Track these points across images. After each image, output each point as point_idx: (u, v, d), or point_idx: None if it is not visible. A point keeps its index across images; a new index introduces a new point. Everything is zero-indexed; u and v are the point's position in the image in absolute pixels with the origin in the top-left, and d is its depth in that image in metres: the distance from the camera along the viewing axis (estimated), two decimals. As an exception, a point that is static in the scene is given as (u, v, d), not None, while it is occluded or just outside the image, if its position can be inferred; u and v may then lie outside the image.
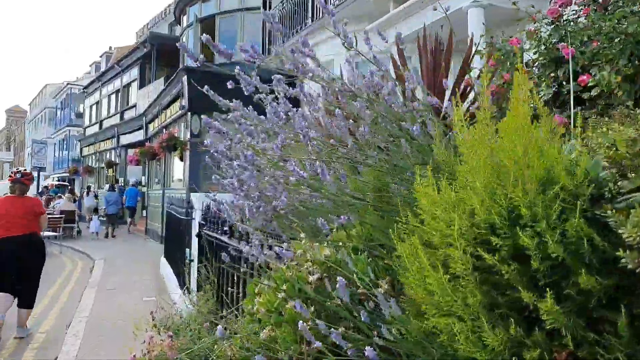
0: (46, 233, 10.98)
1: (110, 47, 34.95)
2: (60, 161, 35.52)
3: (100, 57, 34.68)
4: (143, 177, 20.31)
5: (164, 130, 13.65)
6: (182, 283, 6.19)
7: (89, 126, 24.68)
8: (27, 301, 5.37)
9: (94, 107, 24.16)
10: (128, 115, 19.40)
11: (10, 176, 5.60)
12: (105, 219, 15.65)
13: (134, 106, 18.84)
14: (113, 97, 21.61)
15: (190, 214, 5.74)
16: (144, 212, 18.33)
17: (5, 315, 5.12)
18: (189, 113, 11.12)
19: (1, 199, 5.45)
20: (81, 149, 25.50)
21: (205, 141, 1.96)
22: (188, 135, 11.08)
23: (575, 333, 0.86)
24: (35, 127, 48.15)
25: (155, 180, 16.09)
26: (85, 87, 25.39)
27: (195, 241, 5.43)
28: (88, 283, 8.08)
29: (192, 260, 5.72)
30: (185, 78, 11.01)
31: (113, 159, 20.37)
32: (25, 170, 5.81)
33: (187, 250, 6.02)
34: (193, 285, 5.55)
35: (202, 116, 2.08)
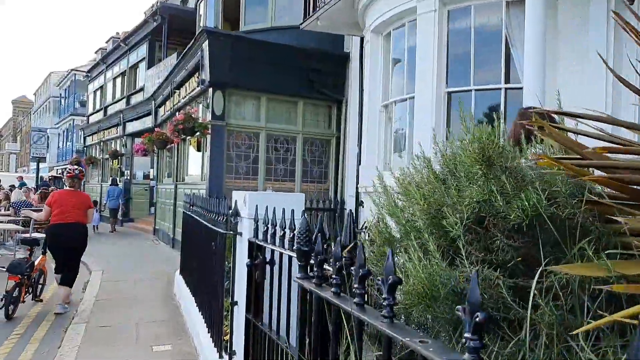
0: (35, 235, 8.96)
1: (117, 33, 32.81)
2: (64, 152, 33.56)
3: (107, 42, 32.53)
4: (151, 170, 18.21)
5: (177, 113, 11.45)
6: (215, 332, 3.95)
7: (92, 113, 22.53)
8: (68, 280, 6.09)
9: (98, 93, 22.00)
10: (135, 99, 17.20)
11: (69, 173, 6.38)
12: (106, 213, 15.37)
13: (142, 89, 16.64)
14: (119, 80, 19.42)
15: (232, 224, 3.51)
16: (152, 209, 16.27)
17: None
18: (211, 89, 8.89)
19: (60, 192, 6.51)
20: (84, 139, 23.37)
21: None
22: (209, 117, 8.85)
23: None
24: (40, 118, 46.34)
25: (165, 173, 13.91)
26: (89, 71, 23.23)
27: (243, 273, 3.21)
28: (76, 313, 5.86)
29: (236, 304, 3.48)
30: (206, 44, 8.77)
31: (118, 149, 18.20)
32: (80, 168, 6.71)
33: (226, 283, 3.79)
34: (238, 346, 3.33)
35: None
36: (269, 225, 2.72)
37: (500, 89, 5.84)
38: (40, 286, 6.45)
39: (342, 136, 9.81)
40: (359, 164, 9.12)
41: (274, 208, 2.82)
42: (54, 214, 6.05)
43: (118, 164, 18.39)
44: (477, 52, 5.96)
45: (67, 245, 6.02)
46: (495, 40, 5.80)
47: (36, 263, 6.12)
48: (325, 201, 9.09)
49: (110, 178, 17.35)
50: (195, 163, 10.95)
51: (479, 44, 5.97)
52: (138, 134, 15.92)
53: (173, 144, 12.13)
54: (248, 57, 9.01)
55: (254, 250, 3.01)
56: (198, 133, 9.08)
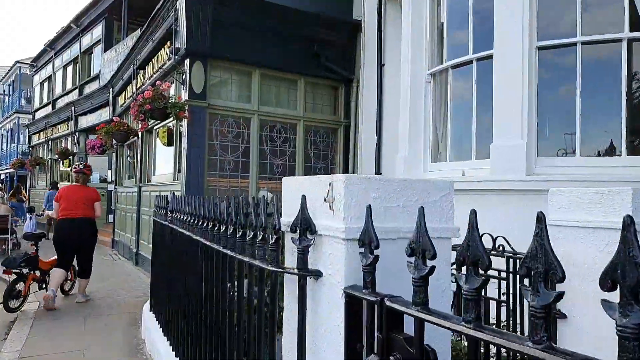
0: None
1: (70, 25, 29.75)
2: (8, 155, 30.16)
3: (57, 33, 29.48)
4: (109, 172, 15.77)
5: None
6: None
7: (39, 108, 19.78)
8: (85, 272, 6.40)
9: (45, 85, 19.28)
10: (89, 89, 14.76)
11: (74, 167, 6.77)
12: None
13: (97, 77, 14.24)
14: (70, 69, 16.87)
15: (299, 253, 1.54)
16: (110, 216, 13.87)
17: (55, 290, 5.94)
18: (188, 60, 6.80)
19: (67, 187, 6.71)
20: (29, 137, 20.52)
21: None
22: (185, 96, 6.75)
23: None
24: (-18, 118, 42.18)
25: (126, 174, 11.62)
26: (34, 60, 20.42)
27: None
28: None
29: None
30: (182, 0, 6.68)
31: (69, 148, 15.66)
32: (86, 162, 7.62)
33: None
34: None
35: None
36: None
37: (621, 40, 4.09)
38: (69, 282, 6.66)
39: (353, 124, 7.90)
40: (378, 156, 7.26)
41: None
42: (60, 209, 6.20)
43: (69, 165, 15.81)
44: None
45: (74, 240, 6.16)
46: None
47: (51, 259, 6.26)
48: None
49: (51, 182, 15.71)
50: (166, 159, 8.78)
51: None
52: (93, 129, 13.54)
53: (135, 137, 9.91)
54: (236, 20, 6.98)
55: (372, 319, 1.07)
56: (171, 118, 6.97)
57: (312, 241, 1.56)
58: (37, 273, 6.06)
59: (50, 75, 18.47)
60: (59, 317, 5.66)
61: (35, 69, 20.54)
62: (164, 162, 8.85)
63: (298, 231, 1.57)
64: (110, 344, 4.70)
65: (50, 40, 18.05)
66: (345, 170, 8.01)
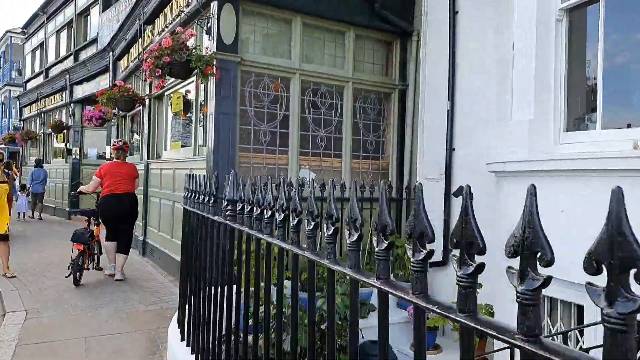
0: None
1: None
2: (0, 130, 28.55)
3: None
4: (108, 147, 14.27)
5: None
6: None
7: (30, 78, 18.16)
8: (125, 247, 6.53)
9: (37, 53, 17.62)
10: (85, 54, 13.19)
11: (114, 144, 6.96)
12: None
13: (95, 40, 12.66)
14: (64, 34, 15.23)
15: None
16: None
17: (117, 264, 6.47)
18: (215, 1, 5.30)
19: (109, 164, 6.76)
20: (20, 110, 18.92)
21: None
22: (213, 47, 5.27)
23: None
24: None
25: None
26: (25, 27, 18.69)
27: None
28: None
29: None
30: None
31: (63, 120, 14.15)
32: (125, 140, 7.77)
33: None
34: None
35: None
36: None
37: None
38: (96, 256, 6.77)
39: (412, 88, 6.46)
40: (450, 126, 5.86)
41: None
42: (105, 185, 6.38)
43: (64, 140, 14.32)
44: None
45: (120, 215, 6.39)
46: None
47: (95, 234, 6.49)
48: (390, 188, 5.70)
49: (35, 160, 14.99)
50: (181, 131, 7.35)
51: None
52: (90, 99, 12.05)
53: (142, 106, 8.45)
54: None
55: None
56: (192, 78, 5.51)
57: None
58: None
59: (43, 42, 16.80)
60: (50, 337, 4.31)
61: (26, 36, 18.84)
62: (179, 134, 7.42)
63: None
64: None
65: (42, 3, 16.32)
66: (400, 145, 6.61)
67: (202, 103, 5.97)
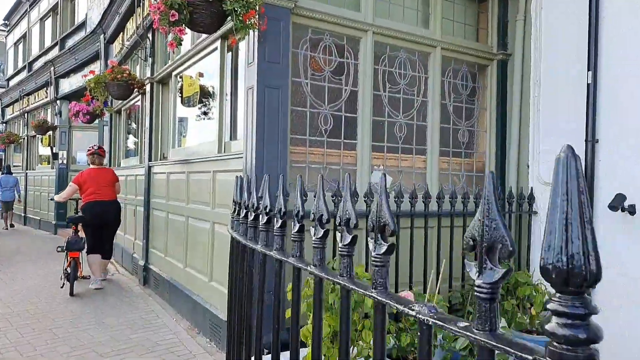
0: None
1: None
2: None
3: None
4: (79, 152, 12.42)
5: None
6: None
7: (13, 76, 16.25)
8: (108, 254, 6.55)
9: (20, 46, 15.72)
10: (73, 40, 11.32)
11: (89, 150, 6.59)
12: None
13: (83, 24, 10.81)
14: (48, 21, 13.35)
15: None
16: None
17: (100, 276, 6.37)
18: None
19: (88, 170, 6.47)
20: (3, 111, 16.99)
21: None
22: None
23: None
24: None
25: (123, 150, 8.38)
26: (7, 18, 16.78)
27: None
28: None
29: None
30: None
31: (48, 119, 12.24)
32: (100, 145, 7.18)
33: None
34: None
35: None
36: None
37: None
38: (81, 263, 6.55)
39: (520, 57, 4.62)
40: (593, 109, 4.07)
41: None
42: (87, 192, 6.27)
43: (49, 143, 12.41)
44: None
45: (104, 222, 6.35)
46: None
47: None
48: (497, 196, 3.86)
49: (5, 166, 13.85)
50: (196, 123, 5.50)
51: None
52: (78, 94, 10.20)
53: (142, 96, 6.60)
54: None
55: None
56: (218, 38, 3.67)
57: None
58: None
59: (26, 33, 14.91)
60: None
61: (8, 28, 16.95)
62: (194, 127, 5.57)
63: None
64: None
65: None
66: (501, 137, 4.78)
67: (232, 75, 4.11)
